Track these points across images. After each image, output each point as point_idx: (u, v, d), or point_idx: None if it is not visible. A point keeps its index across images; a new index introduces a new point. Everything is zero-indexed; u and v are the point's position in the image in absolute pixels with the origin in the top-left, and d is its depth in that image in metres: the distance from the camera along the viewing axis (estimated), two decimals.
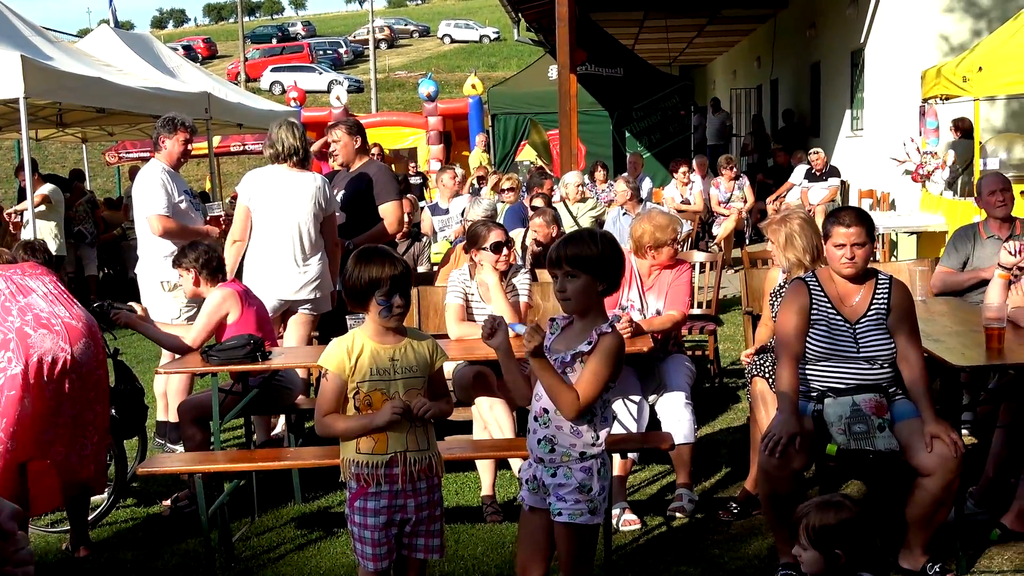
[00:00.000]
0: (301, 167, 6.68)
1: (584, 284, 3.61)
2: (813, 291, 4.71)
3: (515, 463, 5.70)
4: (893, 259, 11.94)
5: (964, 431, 6.33)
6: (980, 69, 9.44)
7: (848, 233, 4.61)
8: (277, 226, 6.57)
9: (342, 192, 7.27)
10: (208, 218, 7.20)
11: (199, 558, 5.16)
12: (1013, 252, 5.19)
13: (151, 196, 6.81)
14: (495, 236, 5.82)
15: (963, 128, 11.70)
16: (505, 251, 5.82)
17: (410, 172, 18.26)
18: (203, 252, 5.97)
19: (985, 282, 5.83)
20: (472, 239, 5.91)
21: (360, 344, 3.71)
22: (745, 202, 14.80)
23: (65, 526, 5.58)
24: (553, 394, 3.56)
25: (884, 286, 4.67)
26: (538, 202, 8.98)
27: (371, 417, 3.65)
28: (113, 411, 5.66)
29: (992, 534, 4.92)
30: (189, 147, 7.02)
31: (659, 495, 5.88)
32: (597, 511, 3.64)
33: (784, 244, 5.38)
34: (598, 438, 3.63)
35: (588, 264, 3.61)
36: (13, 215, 12.85)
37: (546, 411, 3.64)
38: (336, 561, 5.12)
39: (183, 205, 6.90)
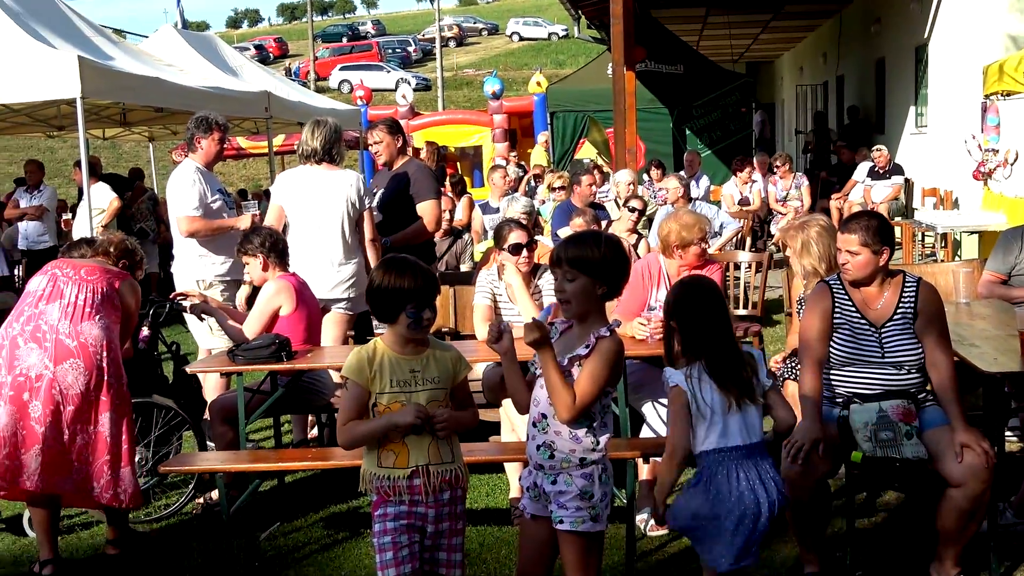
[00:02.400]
0: (331, 164, 6.69)
1: (582, 286, 3.55)
2: (837, 295, 4.59)
3: None
4: (957, 259, 11.67)
5: (1013, 437, 6.16)
6: None
7: (843, 239, 4.53)
8: (310, 225, 6.60)
9: (381, 190, 7.27)
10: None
11: (224, 557, 5.19)
12: None
13: (183, 196, 6.88)
14: (515, 237, 5.76)
15: None
16: (525, 252, 5.76)
17: (509, 161, 18.14)
18: (268, 236, 6.00)
19: None
20: (496, 239, 5.87)
21: (380, 354, 3.61)
22: (802, 201, 14.56)
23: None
24: (552, 392, 3.50)
25: (911, 289, 4.54)
26: (635, 203, 8.86)
27: (392, 415, 3.55)
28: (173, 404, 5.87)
29: None
30: (223, 146, 7.07)
31: None
32: (599, 518, 3.56)
33: (800, 251, 5.28)
34: (598, 443, 3.56)
35: (588, 266, 3.54)
36: (67, 222, 13.04)
37: (544, 416, 3.58)
38: (359, 562, 5.11)
39: (216, 204, 6.96)
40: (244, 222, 7.03)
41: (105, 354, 5.12)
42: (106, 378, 5.12)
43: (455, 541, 3.72)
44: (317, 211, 6.61)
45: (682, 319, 3.77)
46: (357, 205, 6.68)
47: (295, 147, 7.04)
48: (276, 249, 5.97)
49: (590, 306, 3.59)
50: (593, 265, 3.54)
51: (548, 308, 3.61)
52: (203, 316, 6.19)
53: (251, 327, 5.83)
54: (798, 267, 5.36)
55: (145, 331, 5.94)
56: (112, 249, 5.55)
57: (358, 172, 7.48)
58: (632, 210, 8.76)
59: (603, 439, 3.58)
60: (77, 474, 5.09)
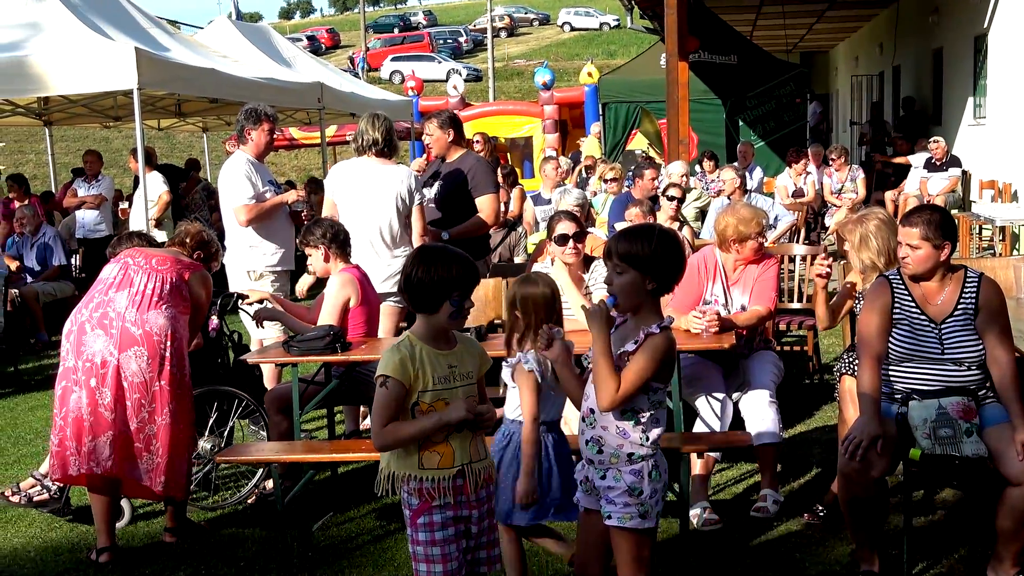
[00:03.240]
0: (386, 158, 6.72)
1: (631, 280, 3.52)
2: (896, 290, 4.53)
3: None
4: (1015, 252, 11.51)
5: None
6: None
7: (904, 232, 4.48)
8: (361, 218, 6.63)
9: (439, 184, 7.28)
10: (290, 211, 7.25)
11: (278, 547, 5.22)
12: None
13: (237, 187, 6.94)
14: (562, 228, 5.71)
15: None
16: (572, 243, 5.71)
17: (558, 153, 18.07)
18: (329, 227, 6.03)
19: None
20: (548, 231, 5.85)
21: (419, 350, 3.48)
22: (857, 193, 14.39)
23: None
24: (597, 379, 3.48)
25: (972, 284, 4.47)
26: (673, 192, 8.77)
27: (444, 414, 3.43)
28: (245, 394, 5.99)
29: None
30: (273, 137, 7.12)
31: (744, 495, 5.75)
32: (648, 515, 3.54)
33: (859, 245, 5.20)
34: (648, 439, 3.53)
35: (637, 261, 3.51)
36: (124, 211, 13.17)
37: (592, 411, 3.57)
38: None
39: (268, 195, 7.01)
40: (291, 196, 7.11)
41: (169, 344, 5.18)
42: (168, 367, 5.18)
43: (493, 537, 3.69)
44: (369, 203, 6.65)
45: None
46: (408, 200, 6.70)
47: (348, 138, 7.06)
48: (337, 240, 5.99)
49: (640, 300, 3.56)
50: (643, 260, 3.51)
51: (613, 297, 3.55)
52: (264, 323, 6.27)
53: (326, 322, 5.86)
54: (856, 261, 5.28)
55: (215, 321, 6.00)
56: (188, 240, 5.63)
57: (409, 163, 7.50)
58: (671, 199, 8.66)
59: (653, 435, 3.55)
60: (144, 463, 5.17)
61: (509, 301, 4.22)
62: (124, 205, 13.22)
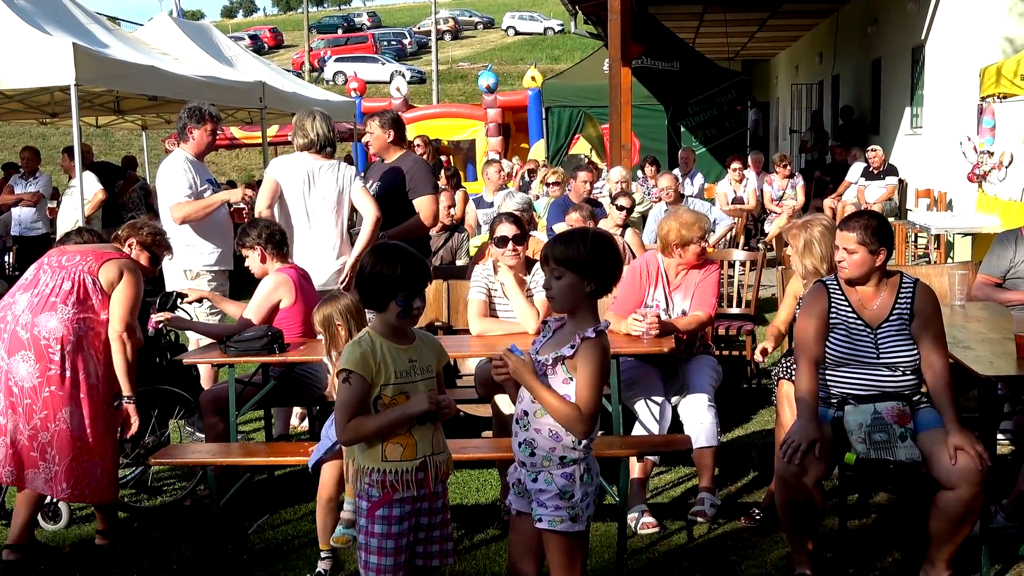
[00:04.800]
0: (329, 156, 6.70)
1: (569, 283, 3.52)
2: (833, 295, 4.58)
3: None
4: (950, 260, 11.67)
5: (1005, 440, 6.15)
6: None
7: (841, 237, 4.53)
8: (308, 214, 6.61)
9: (377, 184, 7.24)
10: (232, 209, 7.20)
11: (212, 549, 5.16)
12: None
13: (173, 185, 6.88)
14: (501, 230, 5.73)
15: None
16: (512, 245, 5.72)
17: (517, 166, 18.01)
18: (264, 228, 5.97)
19: None
20: (490, 234, 5.84)
21: (379, 345, 3.53)
22: (796, 200, 14.55)
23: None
24: (557, 416, 3.46)
25: (908, 290, 4.54)
26: (622, 201, 8.83)
27: (406, 407, 3.50)
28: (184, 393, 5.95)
29: (1021, 549, 4.74)
30: (215, 137, 7.06)
31: (682, 498, 5.78)
32: (579, 518, 3.52)
33: (803, 250, 5.26)
34: (579, 442, 3.51)
35: (574, 264, 3.51)
36: (52, 210, 12.98)
37: (526, 414, 3.55)
38: (349, 555, 5.08)
39: (207, 194, 6.94)
40: (235, 195, 7.04)
41: (60, 347, 5.02)
42: (58, 372, 5.02)
43: (447, 531, 3.71)
44: (315, 200, 6.66)
45: None
46: (351, 196, 6.73)
47: (289, 137, 7.01)
48: (273, 240, 5.93)
49: (577, 303, 3.55)
50: (579, 263, 3.50)
51: (514, 346, 3.61)
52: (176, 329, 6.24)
53: (250, 317, 5.81)
54: (799, 266, 5.33)
55: (154, 318, 5.91)
56: (143, 231, 5.64)
57: (350, 164, 7.50)
58: (620, 208, 8.75)
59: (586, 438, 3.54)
60: (43, 471, 5.03)
61: (319, 323, 4.52)
62: (52, 204, 13.01)
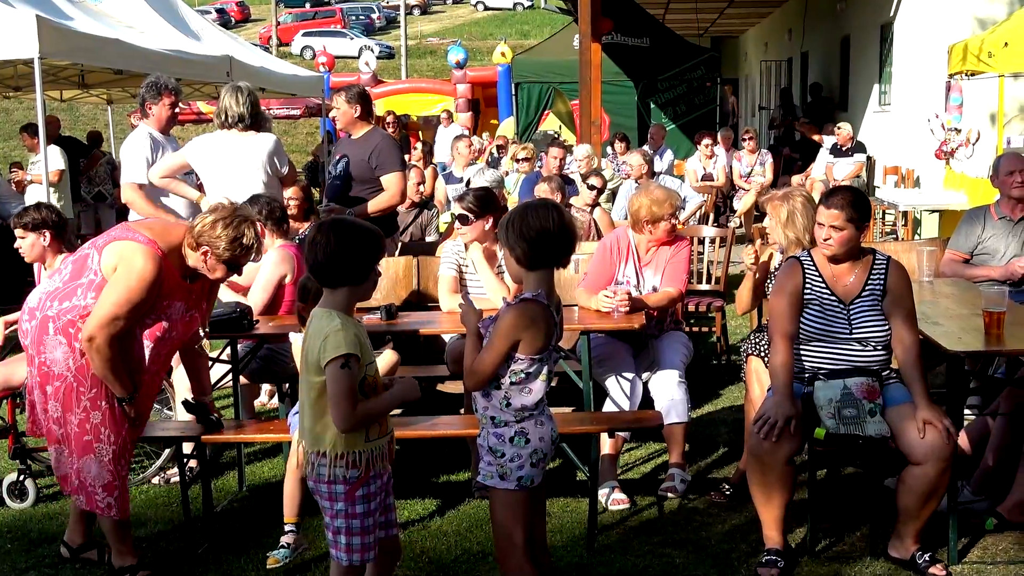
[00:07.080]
0: (250, 130, 6.66)
1: (512, 257, 3.62)
2: (807, 270, 4.60)
3: None
4: (917, 237, 11.75)
5: (972, 415, 6.19)
6: (1006, 45, 9.23)
7: (828, 215, 4.51)
8: (230, 191, 6.47)
9: (343, 160, 7.19)
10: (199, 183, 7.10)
11: (181, 527, 5.13)
12: None
13: (130, 164, 6.84)
14: (460, 207, 5.73)
15: None
16: (468, 221, 5.70)
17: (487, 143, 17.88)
18: (265, 204, 5.95)
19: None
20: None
21: (355, 325, 3.50)
22: (765, 177, 14.59)
23: None
24: (466, 361, 3.62)
25: (881, 266, 4.56)
26: (594, 181, 8.80)
27: (401, 391, 3.62)
28: None
29: (987, 523, 4.79)
30: (176, 111, 6.98)
31: (653, 474, 5.79)
32: (507, 476, 3.56)
33: (786, 221, 5.26)
34: (508, 404, 3.55)
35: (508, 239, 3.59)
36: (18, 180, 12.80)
37: None
38: (321, 531, 5.05)
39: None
40: (192, 194, 6.93)
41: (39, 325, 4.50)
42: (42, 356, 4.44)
43: (392, 500, 3.76)
44: (237, 176, 6.55)
45: None
46: (278, 166, 6.69)
47: (214, 115, 6.89)
48: (273, 216, 5.93)
49: (517, 275, 3.65)
50: (504, 237, 3.61)
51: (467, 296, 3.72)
52: None
53: (257, 298, 5.77)
54: (780, 238, 5.31)
55: None
56: (220, 241, 4.47)
57: (318, 140, 7.41)
58: (591, 187, 8.73)
59: (517, 402, 3.56)
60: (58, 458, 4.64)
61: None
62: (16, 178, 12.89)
